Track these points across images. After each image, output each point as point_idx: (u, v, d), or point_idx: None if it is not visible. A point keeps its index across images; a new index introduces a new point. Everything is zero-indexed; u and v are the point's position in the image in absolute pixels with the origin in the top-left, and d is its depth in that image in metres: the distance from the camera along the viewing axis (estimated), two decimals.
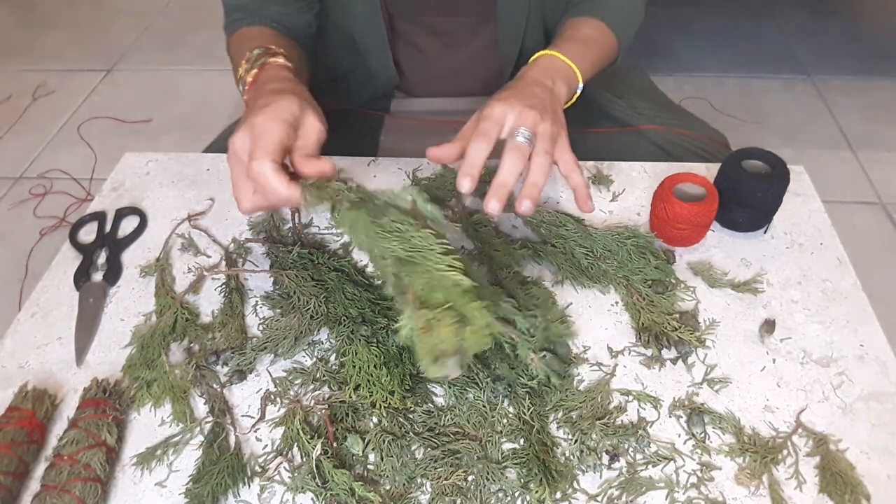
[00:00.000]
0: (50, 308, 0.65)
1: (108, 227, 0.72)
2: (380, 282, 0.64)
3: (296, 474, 0.51)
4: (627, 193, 0.74)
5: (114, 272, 0.67)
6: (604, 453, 0.52)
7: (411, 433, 0.53)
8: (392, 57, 0.88)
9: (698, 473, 0.51)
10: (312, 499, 0.50)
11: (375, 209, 0.55)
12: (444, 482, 0.50)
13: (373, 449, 0.53)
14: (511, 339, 0.53)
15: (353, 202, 0.56)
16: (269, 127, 0.56)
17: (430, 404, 0.56)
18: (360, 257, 0.68)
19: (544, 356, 0.57)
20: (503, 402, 0.55)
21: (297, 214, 0.72)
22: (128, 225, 0.73)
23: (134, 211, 0.74)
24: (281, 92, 0.60)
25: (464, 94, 0.94)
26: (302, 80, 0.69)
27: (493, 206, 0.57)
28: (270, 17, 0.79)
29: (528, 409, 0.54)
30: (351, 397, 0.55)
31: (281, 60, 0.68)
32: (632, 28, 0.84)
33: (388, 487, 0.51)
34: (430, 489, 0.51)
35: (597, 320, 0.62)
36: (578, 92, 0.71)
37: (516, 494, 0.50)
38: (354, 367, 0.56)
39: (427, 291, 0.50)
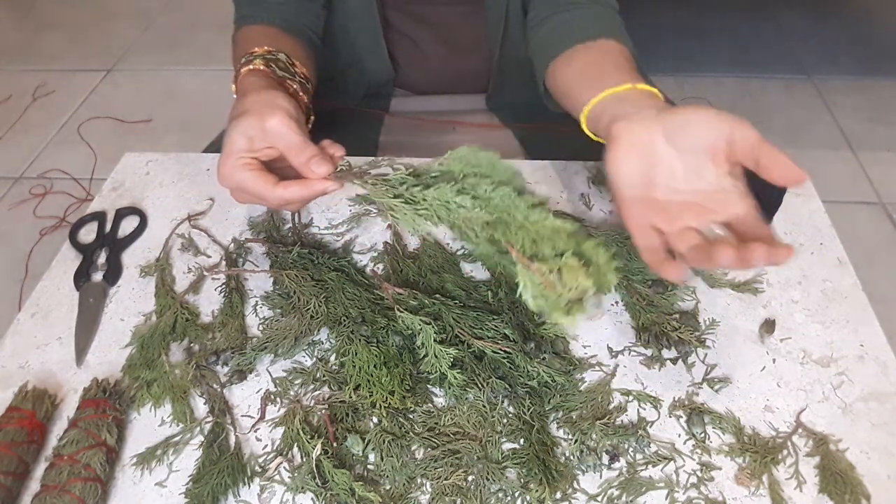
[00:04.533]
0: (50, 308, 0.65)
1: (108, 227, 0.72)
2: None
3: (296, 474, 0.51)
4: None
5: (114, 272, 0.67)
6: (604, 453, 0.52)
7: (411, 433, 0.53)
8: (386, 50, 0.88)
9: (698, 473, 0.51)
10: (312, 499, 0.50)
11: (435, 180, 0.54)
12: (444, 482, 0.50)
13: (373, 449, 0.52)
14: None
15: (422, 183, 0.54)
16: (245, 177, 0.56)
17: (430, 404, 0.56)
18: (360, 257, 0.68)
19: (544, 358, 0.57)
20: (503, 402, 0.55)
21: (297, 214, 0.72)
22: (128, 225, 0.73)
23: (134, 211, 0.74)
24: (228, 127, 0.59)
25: (457, 86, 0.94)
26: (294, 74, 0.69)
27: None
28: (275, 12, 0.79)
29: (528, 409, 0.54)
30: (351, 397, 0.55)
31: (251, 66, 0.66)
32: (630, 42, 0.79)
33: (388, 487, 0.51)
34: (430, 489, 0.51)
35: (597, 320, 0.62)
36: None
37: (516, 494, 0.50)
38: (354, 367, 0.56)
39: (532, 246, 0.48)
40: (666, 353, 0.59)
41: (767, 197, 0.66)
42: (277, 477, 0.52)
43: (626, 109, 0.54)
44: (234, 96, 0.67)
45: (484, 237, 0.51)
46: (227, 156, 0.57)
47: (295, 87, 0.68)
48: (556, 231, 0.48)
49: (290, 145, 0.57)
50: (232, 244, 0.70)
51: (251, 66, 0.66)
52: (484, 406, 0.55)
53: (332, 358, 0.59)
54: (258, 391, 0.57)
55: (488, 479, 0.50)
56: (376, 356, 0.56)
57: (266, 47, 0.69)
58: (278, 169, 0.58)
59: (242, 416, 0.56)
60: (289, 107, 0.58)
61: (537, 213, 0.49)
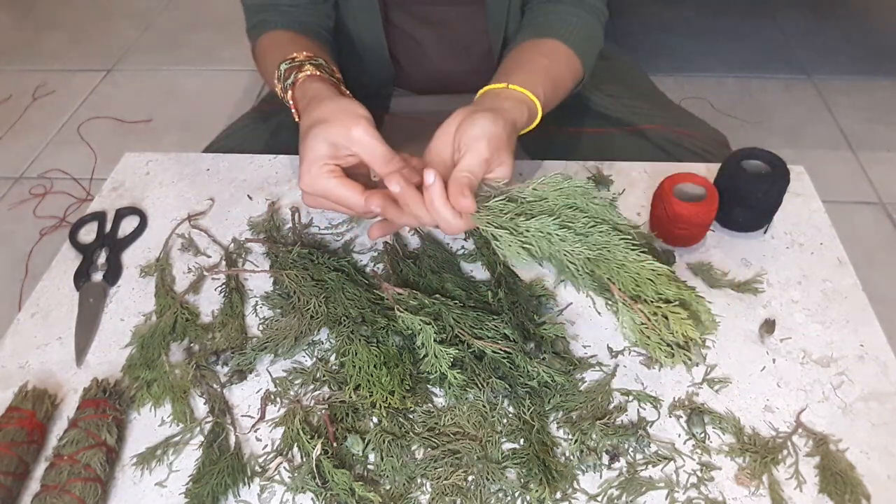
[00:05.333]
0: (50, 308, 0.65)
1: (108, 227, 0.72)
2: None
3: (296, 474, 0.51)
4: (627, 193, 0.74)
5: (114, 272, 0.67)
6: (604, 453, 0.52)
7: (411, 433, 0.53)
8: (388, 49, 0.89)
9: (698, 473, 0.51)
10: (312, 499, 0.50)
11: (531, 206, 0.55)
12: (444, 482, 0.50)
13: (373, 449, 0.52)
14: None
15: (521, 210, 0.55)
16: (331, 185, 0.57)
17: (430, 404, 0.56)
18: (360, 257, 0.68)
19: (544, 358, 0.57)
20: (503, 402, 0.55)
21: (297, 214, 0.72)
22: (128, 225, 0.73)
23: (134, 211, 0.74)
24: (308, 133, 0.59)
25: (458, 85, 0.94)
26: (338, 80, 0.69)
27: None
28: (290, 16, 0.78)
29: (528, 409, 0.54)
30: (351, 397, 0.55)
31: (308, 72, 0.66)
32: (594, 51, 0.81)
33: (388, 487, 0.51)
34: (430, 489, 0.51)
35: (597, 320, 0.62)
36: (537, 120, 0.68)
37: (516, 494, 0.50)
38: (354, 367, 0.56)
39: (634, 286, 0.51)
40: None
41: (767, 197, 0.66)
42: (277, 477, 0.52)
43: (481, 101, 0.64)
44: (289, 103, 0.67)
45: (585, 271, 0.53)
46: (310, 163, 0.57)
47: (348, 91, 0.68)
48: (656, 274, 0.51)
49: (374, 155, 0.57)
50: (232, 244, 0.70)
51: (308, 73, 0.66)
52: (484, 406, 0.55)
53: (332, 358, 0.59)
54: (258, 391, 0.57)
55: (488, 479, 0.50)
56: (376, 356, 0.56)
57: (305, 52, 0.69)
58: (351, 176, 0.59)
59: (242, 416, 0.56)
60: (369, 115, 0.58)
61: (636, 255, 0.52)
